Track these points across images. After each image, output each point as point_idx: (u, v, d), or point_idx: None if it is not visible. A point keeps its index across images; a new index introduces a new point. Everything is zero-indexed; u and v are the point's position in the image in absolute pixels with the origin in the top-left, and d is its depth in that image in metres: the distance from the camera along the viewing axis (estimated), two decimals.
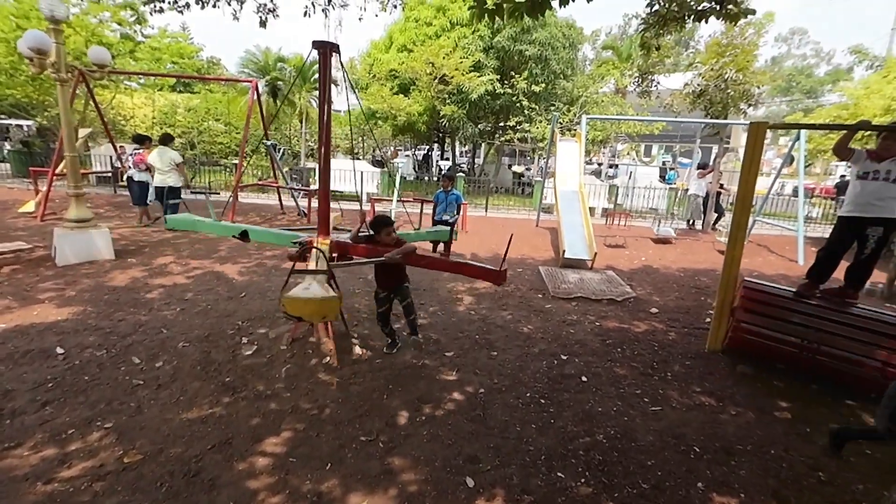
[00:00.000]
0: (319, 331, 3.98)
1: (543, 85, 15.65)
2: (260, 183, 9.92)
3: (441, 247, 6.56)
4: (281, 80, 16.42)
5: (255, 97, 8.70)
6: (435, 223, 6.46)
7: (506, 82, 15.55)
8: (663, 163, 23.21)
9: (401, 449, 2.69)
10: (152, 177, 8.02)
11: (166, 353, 3.67)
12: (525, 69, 15.83)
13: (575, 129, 14.84)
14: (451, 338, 4.29)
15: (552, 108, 16.29)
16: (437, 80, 15.20)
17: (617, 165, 19.46)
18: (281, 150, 8.55)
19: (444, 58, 14.71)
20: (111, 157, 12.46)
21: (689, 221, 11.55)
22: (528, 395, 3.38)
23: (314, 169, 15.03)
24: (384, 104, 15.02)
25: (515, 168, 22.53)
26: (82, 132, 10.70)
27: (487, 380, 3.56)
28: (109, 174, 13.13)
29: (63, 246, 5.67)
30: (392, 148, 21.22)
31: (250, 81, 8.71)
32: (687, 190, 12.34)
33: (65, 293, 4.81)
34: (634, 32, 25.51)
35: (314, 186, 12.42)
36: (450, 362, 3.82)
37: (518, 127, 16.09)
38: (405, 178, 10.20)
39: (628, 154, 22.20)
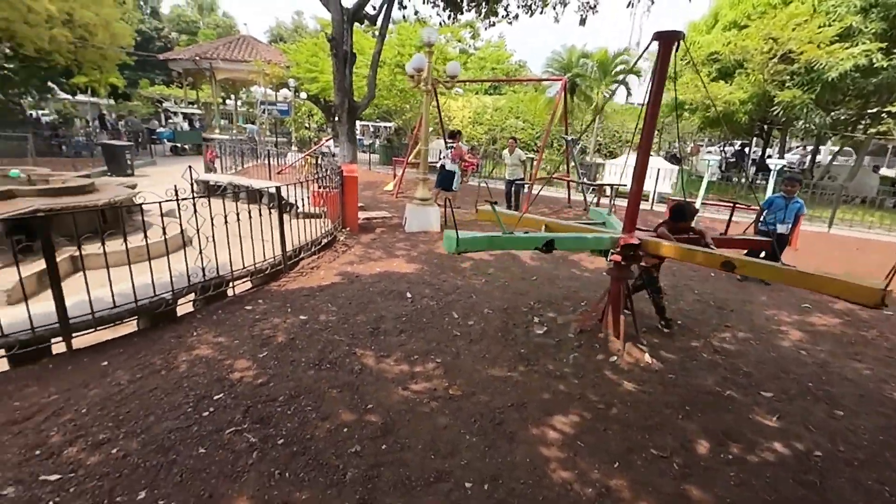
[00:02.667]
0: (609, 328, 3.93)
1: None
2: (554, 177, 10.48)
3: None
4: (581, 76, 16.75)
5: (563, 94, 9.17)
6: (760, 233, 5.37)
7: (894, 51, 11.22)
8: None
9: (700, 480, 2.40)
10: (473, 169, 9.70)
11: (475, 315, 4.37)
12: None
13: None
14: (768, 375, 3.52)
15: None
16: (776, 59, 12.34)
17: None
18: (579, 145, 8.76)
19: (792, 29, 11.77)
20: (439, 151, 15.68)
21: None
22: None
23: (602, 165, 14.85)
24: (697, 94, 13.28)
25: (885, 171, 16.20)
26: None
27: (827, 443, 2.75)
28: (437, 163, 16.51)
29: (411, 218, 7.51)
30: (692, 143, 18.71)
31: (560, 79, 9.25)
32: None
33: (410, 253, 6.36)
34: None
35: (600, 181, 12.27)
36: (767, 404, 3.14)
37: None
38: (710, 178, 8.81)
39: None
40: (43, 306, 3.35)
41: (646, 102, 3.55)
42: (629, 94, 17.52)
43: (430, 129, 15.22)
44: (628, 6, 7.84)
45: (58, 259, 3.40)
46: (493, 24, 10.61)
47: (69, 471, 2.20)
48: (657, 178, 11.43)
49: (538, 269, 5.91)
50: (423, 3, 9.93)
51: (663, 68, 3.41)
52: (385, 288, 4.91)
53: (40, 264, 3.87)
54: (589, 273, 5.93)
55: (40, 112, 23.88)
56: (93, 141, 16.97)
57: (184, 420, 2.61)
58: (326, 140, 17.92)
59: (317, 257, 5.91)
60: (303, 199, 6.49)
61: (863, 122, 14.02)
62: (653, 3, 8.08)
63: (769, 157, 17.83)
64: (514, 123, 20.68)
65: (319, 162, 9.75)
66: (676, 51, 3.44)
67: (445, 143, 9.40)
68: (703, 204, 8.30)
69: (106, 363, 3.27)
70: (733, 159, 19.84)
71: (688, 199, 9.94)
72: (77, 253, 3.58)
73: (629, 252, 3.57)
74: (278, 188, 5.17)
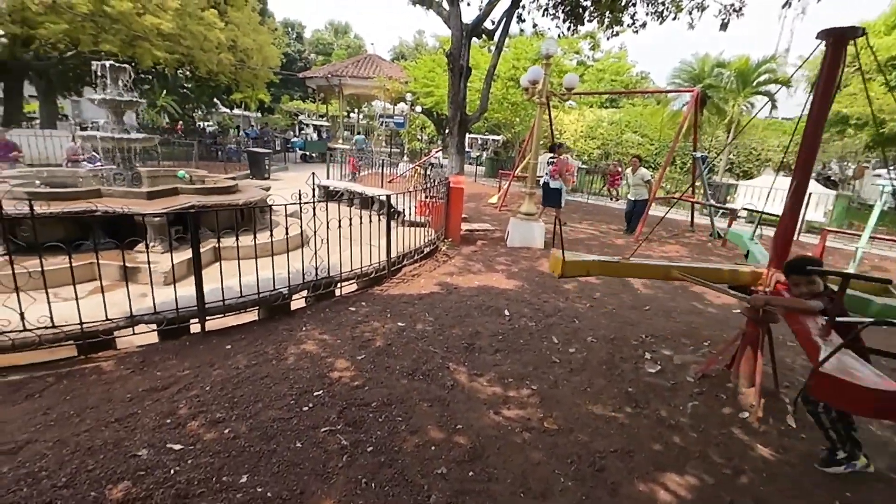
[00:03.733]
0: (741, 377, 3.35)
1: None
2: (678, 198, 9.53)
3: None
4: (715, 87, 15.10)
5: (695, 106, 8.30)
6: None
7: None
8: None
9: None
10: (564, 184, 9.20)
11: (577, 342, 4.05)
12: None
13: None
14: None
15: None
16: None
17: None
18: (709, 163, 7.83)
19: None
20: (546, 165, 15.30)
21: None
22: None
23: (734, 186, 13.16)
24: (864, 108, 11.16)
25: None
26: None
27: None
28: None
29: (514, 232, 7.34)
30: (856, 164, 15.74)
31: (691, 90, 8.38)
32: None
33: (511, 268, 6.19)
34: None
35: (732, 205, 10.86)
36: None
37: None
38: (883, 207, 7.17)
39: None
40: (187, 290, 3.85)
41: (799, 116, 2.97)
42: (774, 107, 15.33)
43: (540, 142, 15.00)
44: (784, 6, 6.82)
45: (202, 249, 3.88)
46: (616, 35, 10.08)
47: (190, 443, 2.43)
48: (807, 204, 9.75)
49: (652, 299, 5.34)
50: (543, 15, 9.80)
51: (831, 73, 2.83)
52: (483, 303, 4.80)
53: (189, 252, 4.47)
54: (714, 308, 5.20)
55: (206, 123, 28.44)
56: (241, 148, 19.70)
57: (286, 411, 2.75)
58: (436, 151, 18.59)
59: (418, 265, 6.03)
60: (409, 208, 6.71)
61: None
62: (818, 1, 6.93)
63: None
64: (631, 138, 19.41)
65: (428, 172, 10.07)
66: (851, 50, 2.84)
67: (549, 158, 9.07)
68: (870, 238, 6.83)
69: (229, 347, 3.63)
70: None
71: (847, 230, 8.32)
72: (218, 245, 4.07)
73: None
74: (388, 196, 5.38)
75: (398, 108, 23.59)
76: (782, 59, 15.01)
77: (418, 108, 22.28)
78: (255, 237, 4.22)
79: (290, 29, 39.53)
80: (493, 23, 9.30)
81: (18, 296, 3.08)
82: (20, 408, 2.80)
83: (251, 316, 4.19)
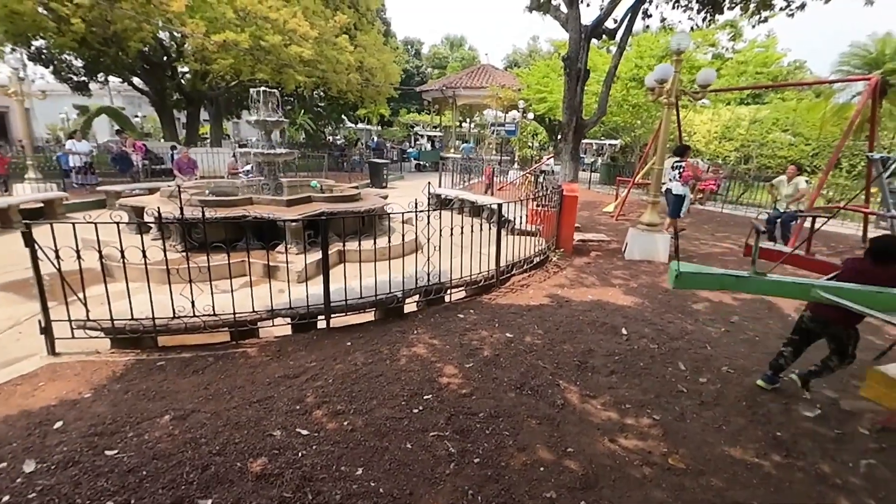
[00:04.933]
0: None
1: None
2: (847, 208, 7.97)
3: None
4: None
5: (872, 97, 6.84)
6: None
7: None
8: None
9: None
10: (690, 190, 8.20)
11: (709, 372, 3.57)
12: None
13: None
14: None
15: None
16: None
17: None
18: (892, 166, 6.38)
19: None
20: (668, 171, 13.94)
21: None
22: None
23: None
24: None
25: None
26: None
27: None
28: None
29: (633, 243, 6.80)
30: None
31: (868, 79, 6.91)
32: None
33: (629, 283, 5.73)
34: None
35: None
36: None
37: None
38: None
39: None
40: (317, 288, 4.25)
41: None
42: None
43: (667, 145, 13.75)
44: None
45: (329, 252, 4.27)
46: (765, 20, 8.81)
47: (315, 430, 2.66)
48: None
49: None
50: (673, 7, 8.99)
51: None
52: (596, 318, 4.51)
53: (319, 254, 4.96)
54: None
55: (335, 138, 31.62)
56: (363, 159, 21.45)
57: (398, 411, 2.87)
58: (547, 158, 18.15)
59: (527, 275, 5.90)
60: (520, 217, 6.61)
61: None
62: None
63: None
64: (781, 138, 16.80)
65: (540, 180, 9.85)
66: None
67: (675, 162, 8.19)
68: None
69: (349, 343, 3.92)
70: None
71: None
72: (342, 248, 4.45)
73: None
74: (500, 205, 5.36)
75: (510, 115, 23.58)
76: None
77: (530, 115, 22.00)
78: (374, 242, 4.52)
79: (409, 46, 42.11)
80: (616, 21, 8.78)
81: (192, 287, 3.70)
82: (189, 381, 3.34)
83: (369, 316, 4.48)
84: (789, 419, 2.98)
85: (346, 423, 2.72)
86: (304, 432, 2.62)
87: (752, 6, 8.20)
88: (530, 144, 25.65)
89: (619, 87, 16.23)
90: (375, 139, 29.11)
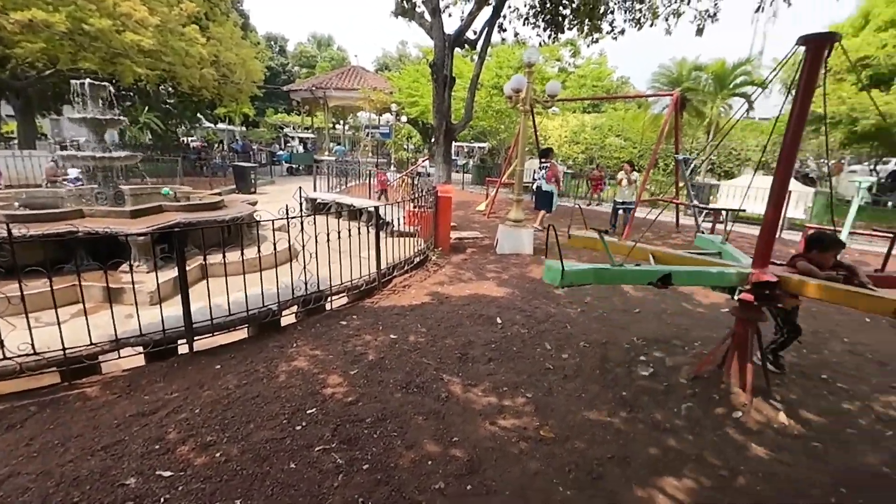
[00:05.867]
0: (732, 377, 3.38)
1: None
2: (662, 199, 9.67)
3: None
4: (693, 90, 15.40)
5: (675, 109, 8.46)
6: None
7: None
8: None
9: None
10: (558, 188, 9.32)
11: (570, 348, 4.05)
12: None
13: None
14: None
15: None
16: None
17: None
18: (692, 165, 7.95)
19: None
20: (533, 171, 15.43)
21: None
22: None
23: (717, 186, 13.39)
24: (842, 105, 11.49)
25: None
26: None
27: None
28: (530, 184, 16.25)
29: (503, 239, 7.36)
30: (832, 161, 16.12)
31: (671, 94, 8.54)
32: None
33: (501, 276, 6.20)
34: None
35: (716, 205, 11.04)
36: None
37: None
38: (860, 203, 7.39)
39: None
40: (174, 310, 3.77)
41: (776, 117, 3.04)
42: (750, 107, 15.69)
43: (526, 148, 15.12)
44: (757, 10, 7.01)
45: (188, 268, 3.82)
46: (596, 41, 10.25)
47: (180, 469, 2.37)
48: (787, 202, 9.95)
49: (642, 301, 5.38)
50: (524, 24, 9.93)
51: (811, 77, 2.90)
52: (475, 311, 4.80)
53: (175, 271, 4.40)
54: (703, 309, 5.26)
55: (190, 139, 28.19)
56: (227, 163, 19.53)
57: (279, 431, 2.70)
58: (423, 161, 18.62)
59: (409, 276, 6.01)
60: (398, 218, 6.69)
61: None
62: (789, 5, 7.13)
63: None
64: (615, 142, 19.70)
65: (415, 182, 10.07)
66: (828, 56, 2.93)
67: (540, 163, 9.16)
68: (850, 234, 6.99)
69: (219, 366, 3.56)
70: (889, 181, 16.65)
71: (827, 227, 8.52)
72: (204, 262, 4.01)
73: (763, 291, 3.03)
74: (377, 207, 5.37)
75: (384, 118, 23.64)
76: (757, 61, 15.38)
77: (403, 118, 22.35)
78: (242, 253, 4.16)
79: (272, 43, 39.51)
80: (475, 33, 9.40)
81: None
82: (1, 440, 2.70)
83: (241, 334, 4.12)
84: (631, 380, 3.53)
85: (218, 455, 2.48)
86: (167, 474, 2.32)
87: (585, 28, 9.47)
88: (405, 147, 26.02)
89: (484, 94, 17.40)
90: (240, 141, 26.71)
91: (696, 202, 8.53)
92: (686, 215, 10.79)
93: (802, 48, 2.89)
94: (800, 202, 10.89)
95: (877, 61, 11.94)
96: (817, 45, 2.81)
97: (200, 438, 2.61)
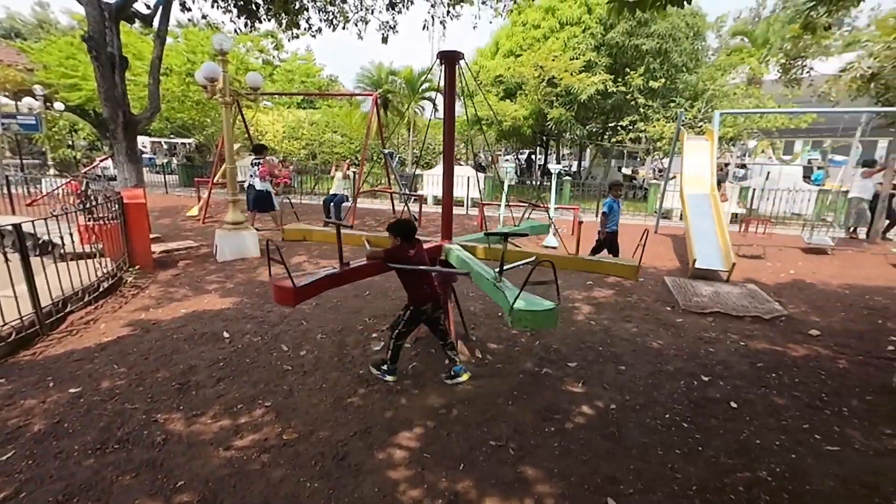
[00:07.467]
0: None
1: (662, 80, 14.48)
2: (377, 189, 10.60)
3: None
4: (392, 92, 17.44)
5: (375, 109, 9.34)
6: (609, 234, 6.41)
7: (619, 80, 14.69)
8: (808, 161, 19.88)
9: (532, 459, 2.63)
10: (273, 186, 9.11)
11: (308, 343, 4.05)
12: (641, 65, 14.82)
13: (702, 126, 13.49)
14: (572, 348, 4.12)
15: (672, 104, 15.01)
16: (544, 84, 14.90)
17: (745, 165, 17.13)
18: (396, 158, 9.05)
19: (552, 60, 14.38)
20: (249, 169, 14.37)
21: (850, 229, 9.78)
22: (666, 416, 3.09)
23: (421, 176, 15.67)
24: (489, 111, 15.16)
25: (624, 170, 21.19)
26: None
27: (618, 396, 3.34)
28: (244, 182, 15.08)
29: (223, 244, 6.62)
30: (492, 153, 21.30)
31: (371, 95, 9.38)
32: (846, 192, 10.47)
33: (225, 285, 5.59)
34: (772, 13, 22.39)
35: (422, 192, 12.93)
36: (574, 373, 3.66)
37: (632, 127, 15.10)
38: (509, 182, 10.26)
39: (763, 152, 19.43)
40: None
41: (428, 119, 3.83)
42: (436, 109, 19.02)
43: (238, 145, 13.86)
44: (423, 28, 8.40)
45: None
46: (297, 37, 10.19)
47: None
48: (468, 186, 12.59)
49: (370, 284, 5.81)
50: (213, 6, 8.92)
51: (451, 85, 3.70)
52: (194, 331, 4.18)
53: None
54: None
55: None
56: None
57: None
58: (102, 160, 14.70)
59: (94, 308, 4.70)
60: (69, 235, 5.09)
61: (607, 133, 17.99)
62: (444, 28, 8.84)
63: (548, 163, 21.47)
64: (333, 138, 20.33)
65: (89, 189, 7.89)
66: (462, 69, 3.79)
67: (253, 160, 8.63)
68: (507, 205, 9.43)
69: None
70: (525, 166, 23.28)
71: (494, 202, 11.09)
72: None
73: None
74: (18, 225, 3.92)
75: (24, 103, 17.26)
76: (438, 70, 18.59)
77: (60, 105, 16.92)
78: None
79: None
80: (149, 7, 7.88)
81: None
82: None
83: None
84: (366, 358, 3.81)
85: None
86: None
87: (283, 21, 9.28)
88: (70, 143, 19.85)
89: (177, 81, 14.96)
90: None
91: (406, 190, 9.77)
92: (400, 202, 12.21)
93: (439, 62, 3.65)
94: (473, 185, 13.94)
95: (507, 80, 16.29)
96: (449, 60, 3.60)
97: None
